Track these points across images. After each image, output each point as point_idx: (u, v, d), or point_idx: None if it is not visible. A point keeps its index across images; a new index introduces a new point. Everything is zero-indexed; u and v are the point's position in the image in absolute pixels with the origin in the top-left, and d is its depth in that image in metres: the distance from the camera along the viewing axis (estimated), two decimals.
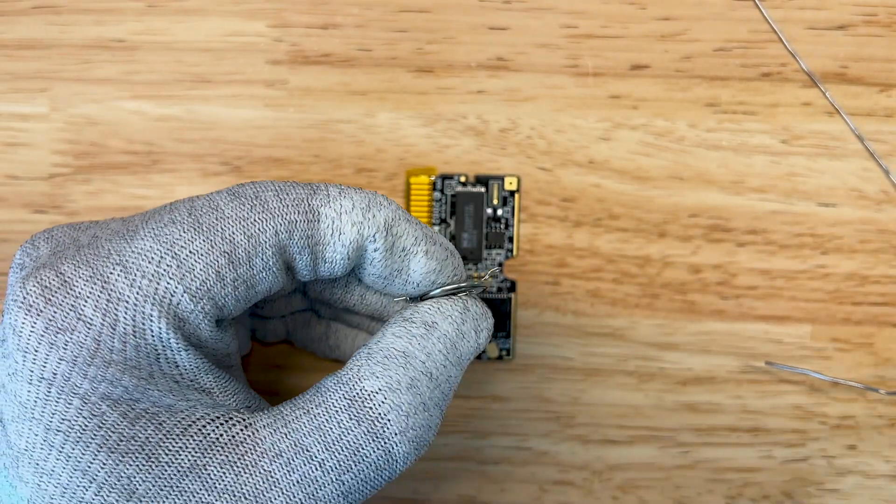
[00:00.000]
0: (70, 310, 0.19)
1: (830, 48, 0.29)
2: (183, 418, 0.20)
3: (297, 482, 0.20)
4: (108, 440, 0.19)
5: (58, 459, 0.19)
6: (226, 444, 0.20)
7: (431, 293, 0.22)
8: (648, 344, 0.29)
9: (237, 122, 0.29)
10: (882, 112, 0.29)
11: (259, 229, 0.20)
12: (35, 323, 0.19)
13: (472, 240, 0.29)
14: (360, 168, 0.29)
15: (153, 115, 0.29)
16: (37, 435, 0.19)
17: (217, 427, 0.20)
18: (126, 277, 0.19)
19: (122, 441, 0.19)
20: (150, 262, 0.19)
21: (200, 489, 0.19)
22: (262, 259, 0.20)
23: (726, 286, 0.29)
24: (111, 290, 0.19)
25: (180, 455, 0.19)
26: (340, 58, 0.29)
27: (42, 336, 0.19)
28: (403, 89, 0.29)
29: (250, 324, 0.27)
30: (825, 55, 0.29)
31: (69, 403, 0.19)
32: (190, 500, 0.19)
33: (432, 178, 0.29)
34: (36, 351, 0.19)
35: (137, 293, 0.19)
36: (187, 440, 0.20)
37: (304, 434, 0.20)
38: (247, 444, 0.20)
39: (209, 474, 0.20)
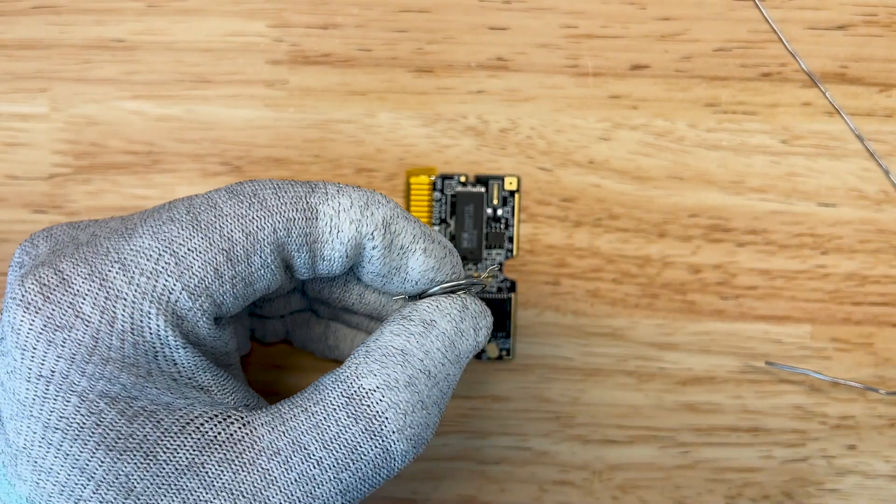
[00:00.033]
0: (68, 307, 0.19)
1: (830, 48, 0.29)
2: (181, 416, 0.20)
3: (295, 480, 0.20)
4: (105, 438, 0.19)
5: (56, 457, 0.19)
6: (224, 442, 0.20)
7: (430, 291, 0.22)
8: (648, 344, 0.29)
9: (237, 122, 0.29)
10: (882, 112, 0.29)
11: (257, 227, 0.20)
12: (33, 320, 0.19)
13: (472, 240, 0.29)
14: (360, 168, 0.29)
15: (153, 115, 0.29)
16: (35, 433, 0.19)
17: (215, 425, 0.20)
18: (124, 275, 0.19)
19: (119, 439, 0.19)
20: (148, 260, 0.19)
21: (198, 487, 0.19)
22: (261, 257, 0.20)
23: (726, 286, 0.29)
24: (109, 287, 0.19)
25: (178, 453, 0.19)
26: (340, 58, 0.29)
27: (40, 333, 0.19)
28: (403, 89, 0.29)
29: (249, 324, 0.27)
30: (825, 55, 0.29)
31: (67, 401, 0.19)
32: (188, 498, 0.19)
33: (432, 178, 0.29)
34: (34, 348, 0.19)
35: (136, 290, 0.19)
36: (185, 438, 0.20)
37: (302, 432, 0.20)
38: (245, 442, 0.20)
39: (207, 472, 0.19)
